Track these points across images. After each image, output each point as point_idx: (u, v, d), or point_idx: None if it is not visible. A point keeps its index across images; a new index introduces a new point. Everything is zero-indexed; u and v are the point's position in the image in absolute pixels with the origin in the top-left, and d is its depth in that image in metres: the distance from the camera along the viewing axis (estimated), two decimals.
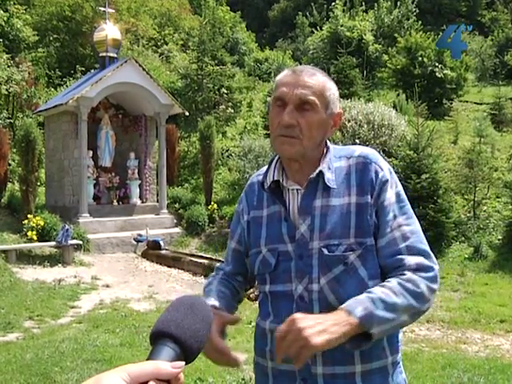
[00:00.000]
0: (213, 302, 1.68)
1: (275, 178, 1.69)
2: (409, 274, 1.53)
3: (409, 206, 1.66)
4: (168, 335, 0.90)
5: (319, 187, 1.64)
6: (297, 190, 1.67)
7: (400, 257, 1.57)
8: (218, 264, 1.97)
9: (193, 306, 0.96)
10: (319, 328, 1.38)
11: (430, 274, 1.55)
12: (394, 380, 1.65)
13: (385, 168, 1.65)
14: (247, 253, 1.81)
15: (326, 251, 1.58)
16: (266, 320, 1.69)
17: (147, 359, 0.87)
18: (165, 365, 0.85)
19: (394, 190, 1.63)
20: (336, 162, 1.67)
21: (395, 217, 1.60)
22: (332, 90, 1.66)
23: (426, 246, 1.61)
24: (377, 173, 1.62)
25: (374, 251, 1.60)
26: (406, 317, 1.52)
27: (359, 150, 1.70)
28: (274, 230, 1.68)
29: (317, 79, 1.63)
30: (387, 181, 1.62)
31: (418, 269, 1.55)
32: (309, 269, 1.60)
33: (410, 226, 1.61)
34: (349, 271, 1.58)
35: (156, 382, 0.82)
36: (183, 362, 0.87)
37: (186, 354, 0.90)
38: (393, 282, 1.52)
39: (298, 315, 1.41)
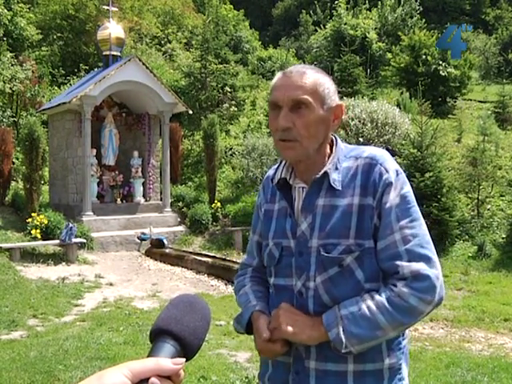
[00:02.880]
0: (254, 304, 1.74)
1: (282, 176, 1.71)
2: (399, 287, 1.51)
3: (416, 208, 1.61)
4: (168, 332, 0.91)
5: (323, 187, 1.63)
6: (302, 188, 1.69)
7: (397, 263, 1.54)
8: (243, 258, 1.99)
9: (192, 304, 0.97)
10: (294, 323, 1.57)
11: (425, 284, 1.51)
12: None
13: (391, 170, 1.61)
14: None
15: (322, 251, 1.59)
16: (271, 311, 1.72)
17: (148, 356, 0.89)
18: (166, 361, 0.86)
19: (397, 192, 1.58)
20: (345, 161, 1.66)
21: (398, 219, 1.56)
22: (326, 85, 1.64)
23: (427, 251, 1.55)
24: (381, 175, 1.59)
25: (373, 254, 1.58)
26: (391, 332, 1.54)
27: (368, 150, 1.68)
28: (280, 224, 1.72)
29: (307, 77, 1.62)
30: (391, 183, 1.58)
31: (413, 278, 1.51)
32: (307, 266, 1.62)
33: (412, 230, 1.56)
34: (344, 273, 1.58)
35: (157, 378, 0.83)
36: (184, 359, 0.89)
37: (186, 351, 0.92)
38: (382, 297, 1.53)
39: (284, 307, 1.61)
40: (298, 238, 1.64)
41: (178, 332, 0.91)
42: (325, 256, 1.58)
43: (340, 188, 1.61)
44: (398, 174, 1.61)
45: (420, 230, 1.58)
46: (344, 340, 1.51)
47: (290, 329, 1.56)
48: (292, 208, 1.69)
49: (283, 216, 1.71)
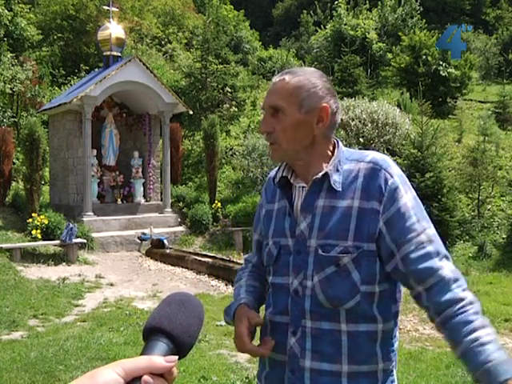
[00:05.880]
0: (242, 297, 1.76)
1: (283, 175, 1.74)
2: (468, 298, 1.52)
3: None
4: (161, 330, 0.92)
5: (324, 187, 1.64)
6: (302, 187, 1.70)
7: (433, 266, 1.55)
8: (247, 255, 2.06)
9: (184, 302, 0.97)
10: None
11: (464, 281, 1.57)
12: None
13: (395, 175, 1.61)
14: None
15: (320, 250, 1.60)
16: (267, 310, 1.75)
17: (141, 354, 0.89)
18: (158, 359, 0.86)
19: (410, 195, 1.61)
20: (347, 164, 1.66)
21: (419, 220, 1.58)
22: (306, 87, 1.64)
23: (444, 249, 1.62)
24: (386, 180, 1.59)
25: (372, 257, 1.59)
26: None
27: (372, 155, 1.68)
28: (279, 223, 1.74)
29: (285, 82, 1.66)
30: (397, 188, 1.59)
31: (456, 279, 1.55)
32: (304, 265, 1.63)
33: (432, 230, 1.61)
34: (340, 273, 1.58)
35: (150, 376, 0.83)
36: (176, 357, 0.89)
37: (179, 349, 0.92)
38: (477, 316, 1.50)
39: None
40: (296, 237, 1.66)
41: (170, 330, 0.92)
42: (322, 255, 1.60)
43: (340, 189, 1.62)
44: (402, 179, 1.63)
45: (434, 229, 1.63)
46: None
47: None
48: (291, 207, 1.70)
49: (282, 215, 1.73)
